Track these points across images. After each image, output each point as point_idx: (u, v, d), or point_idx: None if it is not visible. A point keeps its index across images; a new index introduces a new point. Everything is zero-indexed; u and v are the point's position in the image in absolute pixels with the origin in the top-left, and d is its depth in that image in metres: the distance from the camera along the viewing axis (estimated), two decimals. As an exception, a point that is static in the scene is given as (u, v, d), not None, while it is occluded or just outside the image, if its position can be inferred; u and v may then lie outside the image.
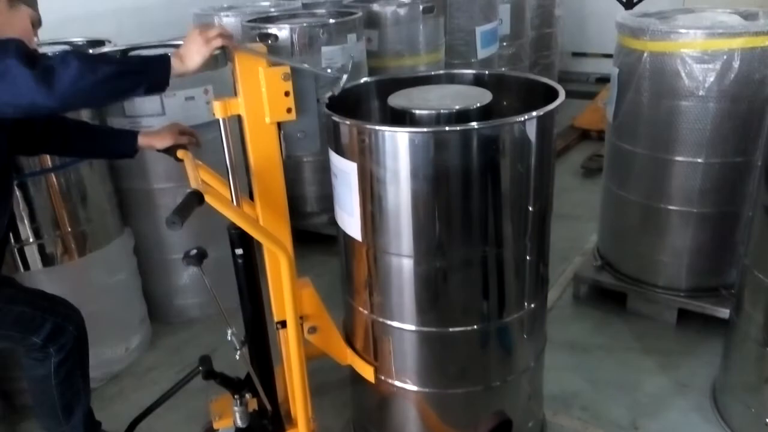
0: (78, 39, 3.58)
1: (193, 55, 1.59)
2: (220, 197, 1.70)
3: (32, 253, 2.62)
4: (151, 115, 2.85)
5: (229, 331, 1.99)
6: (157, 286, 3.22)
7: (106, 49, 3.25)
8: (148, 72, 1.58)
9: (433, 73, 2.28)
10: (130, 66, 1.61)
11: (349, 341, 2.19)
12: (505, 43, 5.42)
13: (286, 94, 1.73)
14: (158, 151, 2.07)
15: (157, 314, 3.26)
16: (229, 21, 4.04)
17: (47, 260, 2.66)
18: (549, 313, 2.49)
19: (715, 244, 2.85)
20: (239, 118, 1.79)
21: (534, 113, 1.75)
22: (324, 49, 3.42)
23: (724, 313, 2.78)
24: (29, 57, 1.48)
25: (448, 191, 1.77)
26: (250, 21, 3.68)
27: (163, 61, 1.59)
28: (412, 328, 1.95)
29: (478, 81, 2.23)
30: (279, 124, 1.79)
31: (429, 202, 1.78)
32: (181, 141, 2.06)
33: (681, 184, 2.78)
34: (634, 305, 3.09)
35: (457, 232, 1.82)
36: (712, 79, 2.55)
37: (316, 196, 3.87)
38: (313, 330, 2.08)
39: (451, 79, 2.24)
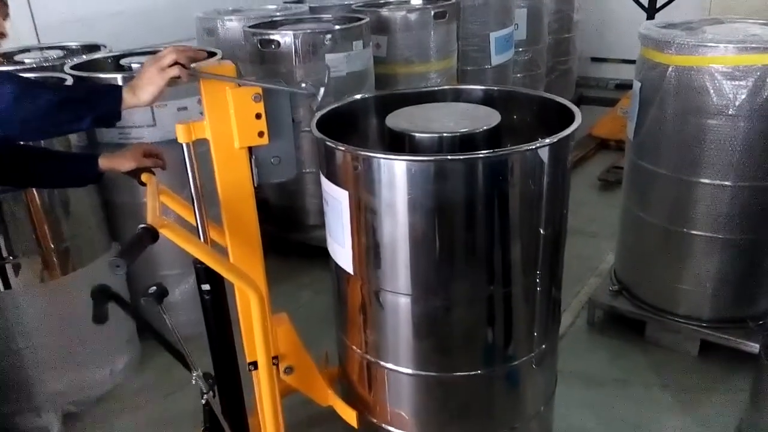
0: (73, 43, 3.44)
1: (145, 86, 1.43)
2: (180, 232, 1.53)
3: (11, 272, 2.47)
4: (141, 126, 2.70)
5: (194, 375, 1.83)
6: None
7: (100, 54, 3.11)
8: (94, 103, 1.42)
9: (437, 88, 2.11)
10: (74, 94, 1.44)
11: (344, 378, 2.02)
12: (521, 49, 5.22)
13: (258, 116, 1.57)
14: (123, 173, 1.90)
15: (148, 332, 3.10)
16: (233, 25, 3.88)
17: (28, 279, 2.52)
18: (560, 341, 2.30)
19: (743, 272, 2.64)
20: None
21: (547, 140, 1.57)
22: (328, 56, 3.25)
23: (751, 347, 2.59)
24: None
25: (449, 225, 1.59)
26: (252, 26, 3.51)
27: (113, 92, 1.43)
28: (409, 371, 1.78)
29: (486, 98, 2.04)
30: (250, 149, 1.63)
31: (428, 236, 1.60)
32: (145, 164, 1.88)
33: (706, 209, 2.58)
34: (653, 335, 2.88)
35: (459, 269, 1.64)
36: (743, 96, 2.35)
37: (317, 209, 3.70)
38: (289, 370, 1.93)
39: (457, 96, 2.07)
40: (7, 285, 2.49)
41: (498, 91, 2.08)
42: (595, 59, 6.95)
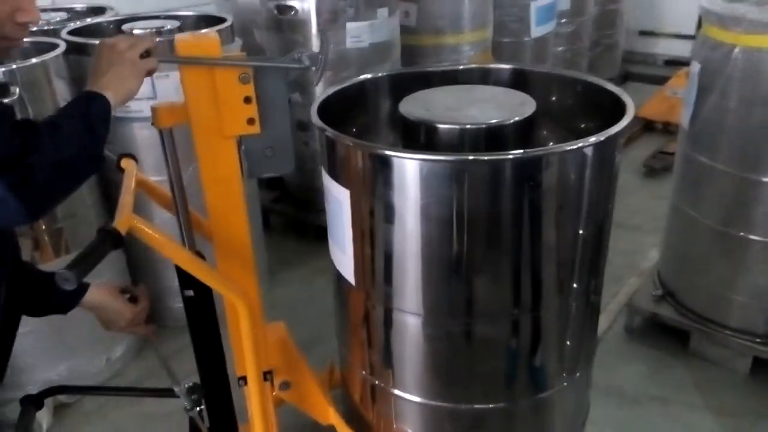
0: (79, 5, 3.22)
1: (123, 82, 1.19)
2: (153, 233, 1.30)
3: None
4: (140, 99, 2.45)
5: (177, 390, 1.63)
6: (150, 287, 2.85)
7: (102, 18, 2.87)
8: (90, 119, 1.15)
9: (461, 67, 1.81)
10: (75, 129, 1.14)
11: (346, 396, 1.80)
12: (563, 20, 4.83)
13: (247, 100, 1.32)
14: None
15: (149, 317, 2.92)
16: (251, -13, 3.60)
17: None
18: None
19: (807, 285, 2.33)
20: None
21: (592, 138, 1.29)
22: (349, 25, 2.96)
23: (812, 369, 2.30)
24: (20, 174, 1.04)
25: (470, 237, 1.33)
26: (269, -10, 3.23)
27: (98, 99, 1.16)
28: (418, 400, 1.53)
29: (519, 80, 1.75)
30: (239, 139, 1.39)
31: (443, 249, 1.35)
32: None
33: (769, 211, 2.26)
34: (699, 347, 2.59)
35: (479, 289, 1.39)
36: (823, 84, 2.01)
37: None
38: (285, 386, 1.70)
39: (486, 77, 1.77)
40: (-6, 268, 2.32)
41: (534, 72, 1.79)
42: (643, 33, 6.47)
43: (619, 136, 1.35)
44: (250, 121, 1.35)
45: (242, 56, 1.37)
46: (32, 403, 1.70)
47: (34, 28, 2.85)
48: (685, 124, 2.48)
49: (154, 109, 1.38)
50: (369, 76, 1.74)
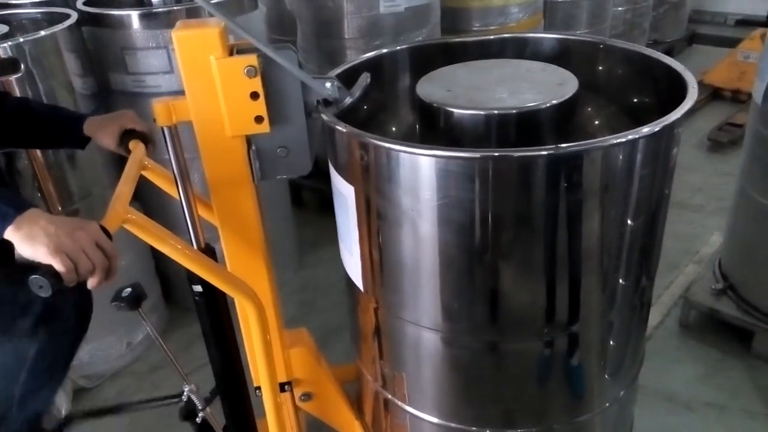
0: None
1: (34, 239, 1.03)
2: (152, 229, 1.19)
3: (12, 237, 2.21)
4: (156, 73, 2.33)
5: (186, 389, 1.53)
6: (175, 265, 2.77)
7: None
8: None
9: (492, 38, 1.57)
10: None
11: (360, 409, 1.64)
12: (624, -23, 4.45)
13: (254, 96, 1.16)
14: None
15: (175, 297, 2.84)
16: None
17: (31, 245, 2.25)
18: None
19: None
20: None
21: (645, 129, 1.06)
22: (383, -13, 2.73)
23: None
24: None
25: (495, 245, 1.13)
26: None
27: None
28: (434, 420, 1.36)
29: (560, 52, 1.51)
30: (247, 138, 1.23)
31: (464, 258, 1.15)
32: (138, 126, 1.49)
33: None
34: (763, 348, 2.32)
35: (507, 303, 1.19)
36: None
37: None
38: (306, 397, 1.56)
39: (521, 49, 1.54)
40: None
41: (577, 41, 1.55)
42: (713, -11, 5.98)
43: (677, 124, 1.12)
44: (258, 119, 1.20)
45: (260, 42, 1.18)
46: None
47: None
48: (758, 98, 2.17)
49: (154, 106, 1.23)
50: (385, 51, 1.52)
